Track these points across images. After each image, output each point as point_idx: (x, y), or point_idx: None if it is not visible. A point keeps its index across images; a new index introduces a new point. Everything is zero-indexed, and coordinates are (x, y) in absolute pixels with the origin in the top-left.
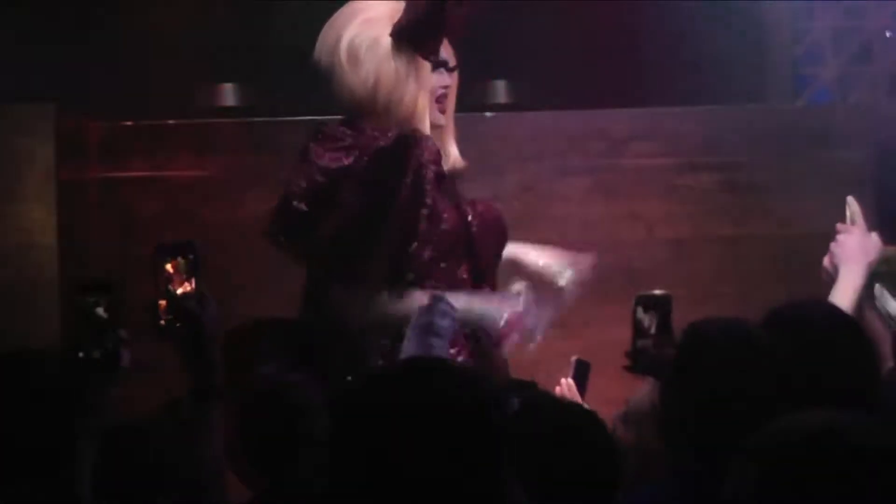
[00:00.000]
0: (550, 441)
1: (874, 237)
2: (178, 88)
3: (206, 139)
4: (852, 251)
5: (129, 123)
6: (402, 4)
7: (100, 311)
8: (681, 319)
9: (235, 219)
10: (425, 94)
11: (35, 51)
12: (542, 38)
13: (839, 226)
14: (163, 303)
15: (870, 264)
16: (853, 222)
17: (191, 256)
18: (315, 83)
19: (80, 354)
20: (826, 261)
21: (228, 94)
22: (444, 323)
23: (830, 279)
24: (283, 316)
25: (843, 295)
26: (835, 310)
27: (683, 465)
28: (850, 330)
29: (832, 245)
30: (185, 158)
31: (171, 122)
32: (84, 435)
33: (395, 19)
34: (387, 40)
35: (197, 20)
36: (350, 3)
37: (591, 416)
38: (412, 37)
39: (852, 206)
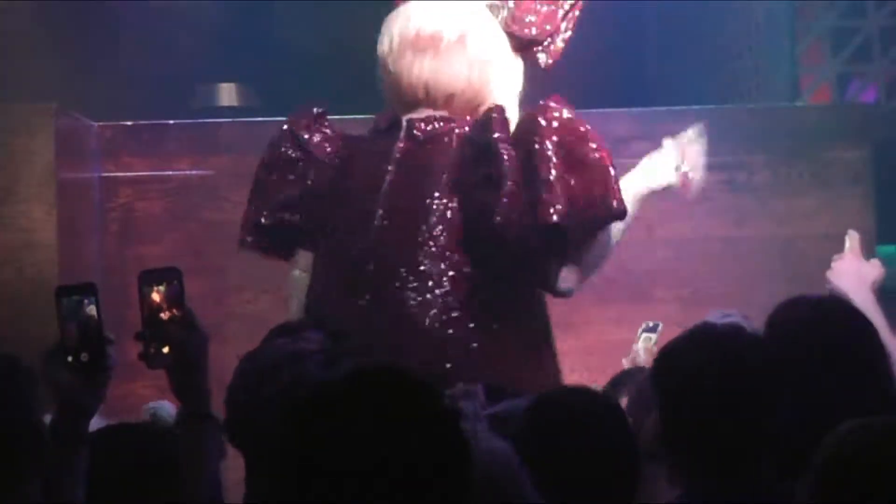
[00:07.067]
0: (569, 430)
1: (873, 261)
2: (178, 88)
3: (206, 139)
4: (849, 278)
5: (129, 123)
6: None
7: (88, 312)
8: (681, 320)
9: (235, 219)
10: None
11: (35, 51)
12: None
13: (835, 256)
14: (149, 331)
15: (871, 286)
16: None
17: (175, 283)
18: (315, 83)
19: (69, 359)
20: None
21: (228, 94)
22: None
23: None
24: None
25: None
26: (855, 309)
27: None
28: (871, 330)
29: (827, 274)
30: (185, 158)
31: (171, 122)
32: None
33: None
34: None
35: (197, 20)
36: None
37: (609, 403)
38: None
39: (853, 237)
